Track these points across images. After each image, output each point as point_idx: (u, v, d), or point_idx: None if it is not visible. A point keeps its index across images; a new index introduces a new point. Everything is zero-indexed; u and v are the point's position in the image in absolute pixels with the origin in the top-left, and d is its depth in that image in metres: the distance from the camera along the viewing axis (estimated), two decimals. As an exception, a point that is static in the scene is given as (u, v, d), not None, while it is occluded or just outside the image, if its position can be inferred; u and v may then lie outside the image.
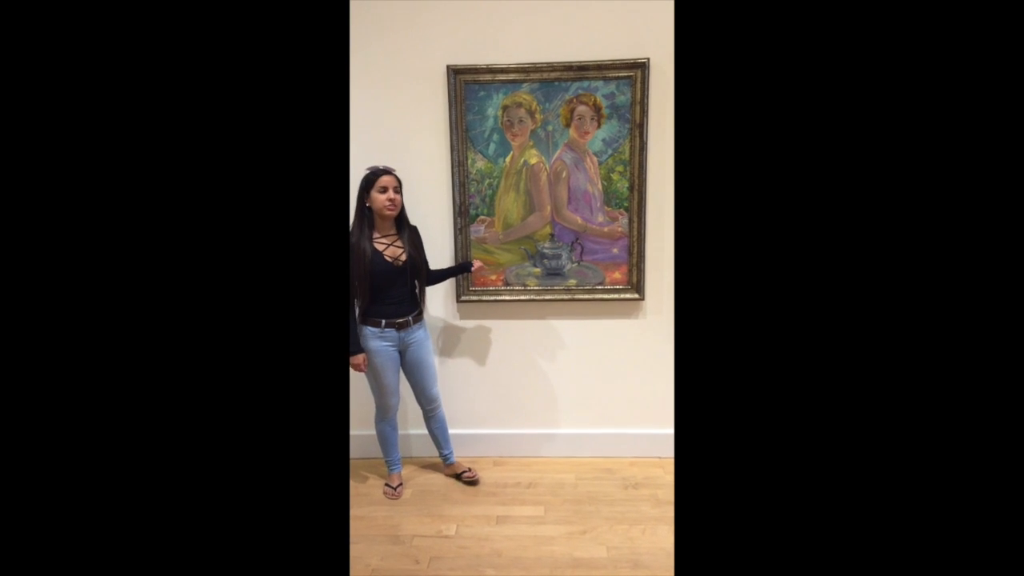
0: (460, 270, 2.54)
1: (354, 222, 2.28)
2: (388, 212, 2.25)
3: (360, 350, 2.33)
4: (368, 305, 2.33)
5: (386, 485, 2.58)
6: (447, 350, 2.77)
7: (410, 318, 2.38)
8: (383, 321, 2.33)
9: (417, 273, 2.37)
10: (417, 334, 2.43)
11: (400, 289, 2.33)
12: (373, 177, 2.24)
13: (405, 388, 2.58)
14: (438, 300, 2.71)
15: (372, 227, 2.30)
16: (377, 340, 2.34)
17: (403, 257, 2.31)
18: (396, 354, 2.41)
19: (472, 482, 2.58)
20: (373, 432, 2.80)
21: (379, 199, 2.23)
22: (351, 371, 2.72)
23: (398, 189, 2.26)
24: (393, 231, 2.33)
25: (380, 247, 2.29)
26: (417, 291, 2.43)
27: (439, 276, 2.52)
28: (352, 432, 2.84)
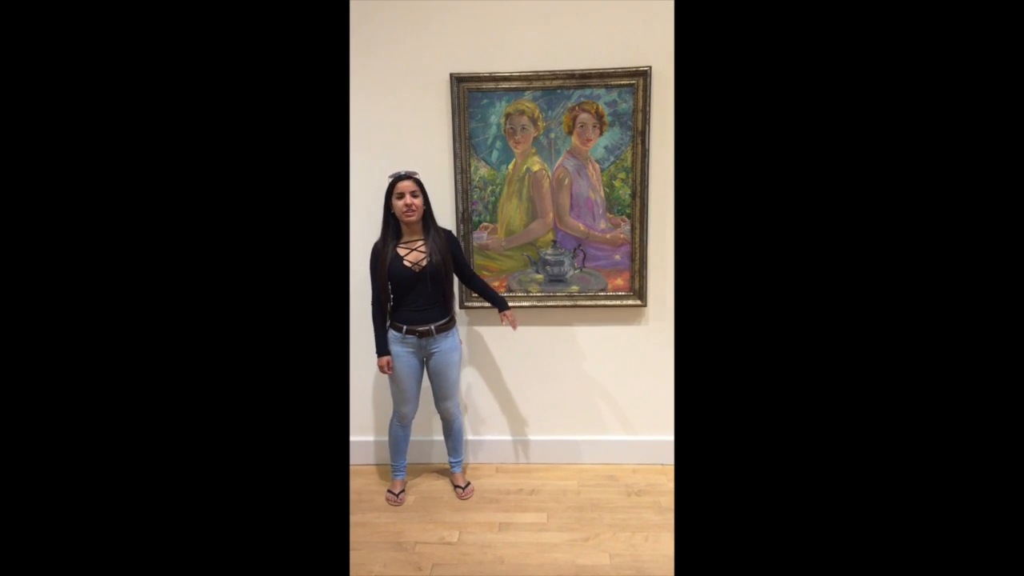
0: (496, 302, 2.46)
1: (382, 230, 2.32)
2: (407, 217, 2.26)
3: (386, 352, 2.35)
4: (391, 310, 2.36)
5: (388, 491, 2.58)
6: (450, 356, 2.77)
7: (433, 327, 2.34)
8: (404, 327, 2.33)
9: (441, 278, 2.32)
10: (442, 344, 2.39)
11: (421, 295, 2.31)
12: (392, 184, 2.26)
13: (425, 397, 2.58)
14: (441, 306, 2.71)
15: (398, 233, 2.32)
16: (398, 345, 2.36)
17: (424, 262, 2.29)
18: (416, 362, 2.40)
19: (462, 498, 2.57)
20: (376, 438, 2.80)
21: (396, 205, 2.26)
22: (354, 378, 2.74)
23: (416, 193, 2.26)
24: (418, 236, 2.33)
25: (402, 252, 2.30)
26: (445, 296, 2.37)
27: (482, 288, 2.47)
28: (358, 438, 2.85)
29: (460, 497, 2.56)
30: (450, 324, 2.41)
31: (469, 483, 2.62)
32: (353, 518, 2.43)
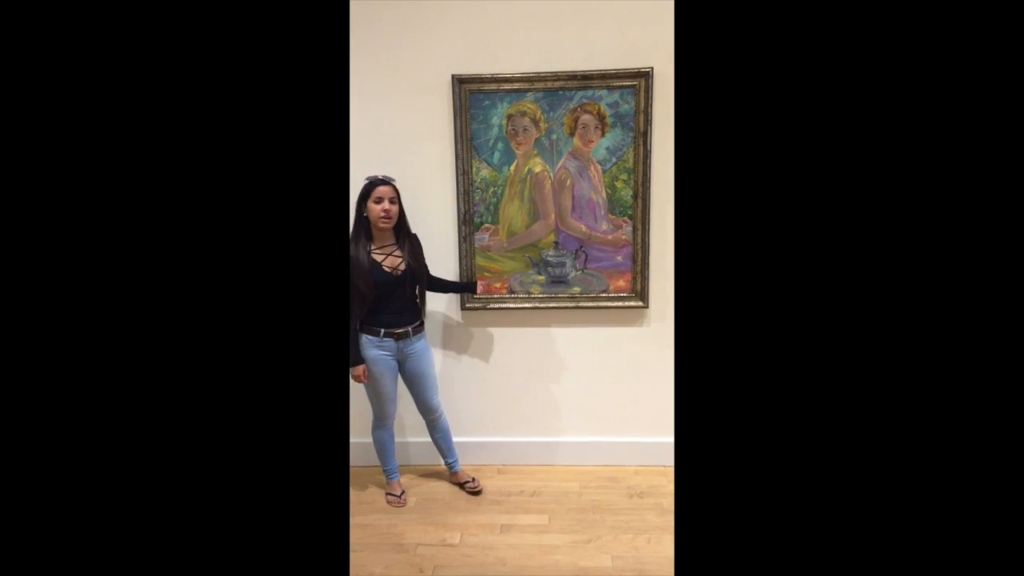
0: (465, 288, 2.54)
1: (352, 232, 2.27)
2: (383, 224, 2.25)
3: (360, 361, 2.33)
4: (367, 315, 2.33)
5: (388, 494, 2.57)
6: (451, 358, 2.77)
7: (409, 329, 2.37)
8: (382, 331, 2.33)
9: (417, 282, 2.38)
10: (416, 346, 2.41)
11: (399, 299, 2.33)
12: (370, 187, 2.24)
13: (403, 397, 2.58)
14: (442, 307, 2.71)
15: (370, 237, 2.30)
16: (375, 349, 2.34)
17: (402, 267, 2.31)
18: (394, 363, 2.41)
19: (475, 492, 2.57)
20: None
21: (374, 209, 2.23)
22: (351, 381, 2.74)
23: (394, 200, 2.25)
24: (392, 241, 2.33)
25: (379, 257, 2.29)
26: (418, 300, 2.43)
27: (444, 287, 2.52)
28: (356, 440, 2.84)
29: (471, 491, 2.56)
30: (422, 326, 2.45)
31: (474, 477, 2.62)
32: (355, 520, 2.43)
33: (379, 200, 2.22)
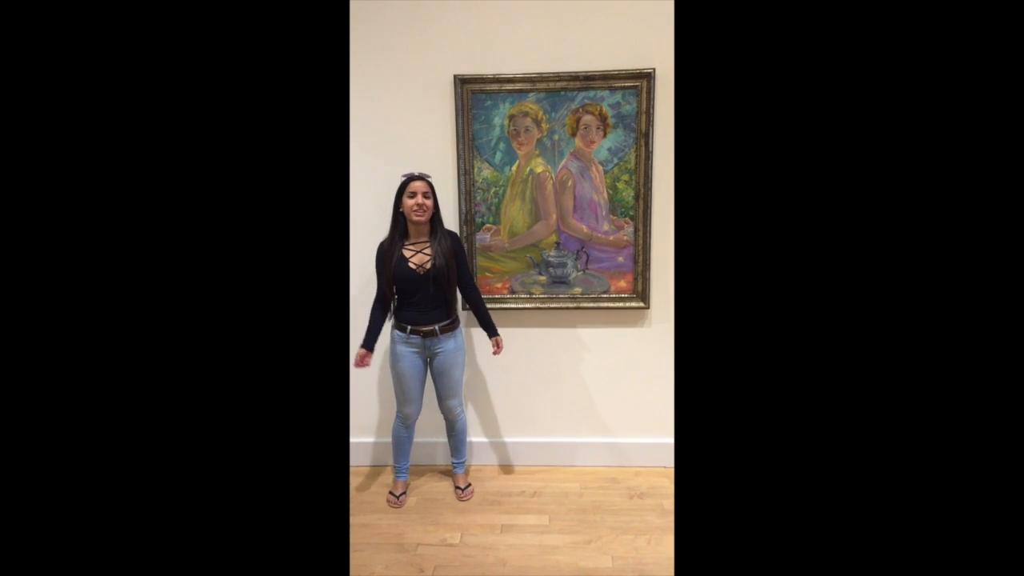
0: (487, 327, 2.47)
1: (390, 229, 2.34)
2: (416, 217, 2.27)
3: (369, 347, 2.34)
4: (396, 310, 2.37)
5: (390, 493, 2.57)
6: (452, 358, 2.77)
7: (437, 327, 2.36)
8: (408, 327, 2.34)
9: (444, 281, 2.32)
10: (446, 345, 2.40)
11: (424, 297, 2.32)
12: (405, 183, 2.27)
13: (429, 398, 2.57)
14: (443, 308, 2.71)
15: (405, 234, 2.32)
16: (402, 345, 2.37)
17: (428, 265, 2.30)
18: (420, 362, 2.41)
19: (462, 499, 2.56)
20: (379, 440, 2.80)
21: (408, 204, 2.26)
22: (356, 379, 2.74)
23: (428, 194, 2.27)
24: (425, 238, 2.34)
25: (408, 254, 2.30)
26: (448, 298, 2.37)
27: (476, 304, 2.46)
28: (362, 439, 2.84)
29: (460, 498, 2.55)
30: (454, 325, 2.42)
31: (470, 484, 2.61)
32: (355, 519, 2.43)
33: (412, 195, 2.26)
